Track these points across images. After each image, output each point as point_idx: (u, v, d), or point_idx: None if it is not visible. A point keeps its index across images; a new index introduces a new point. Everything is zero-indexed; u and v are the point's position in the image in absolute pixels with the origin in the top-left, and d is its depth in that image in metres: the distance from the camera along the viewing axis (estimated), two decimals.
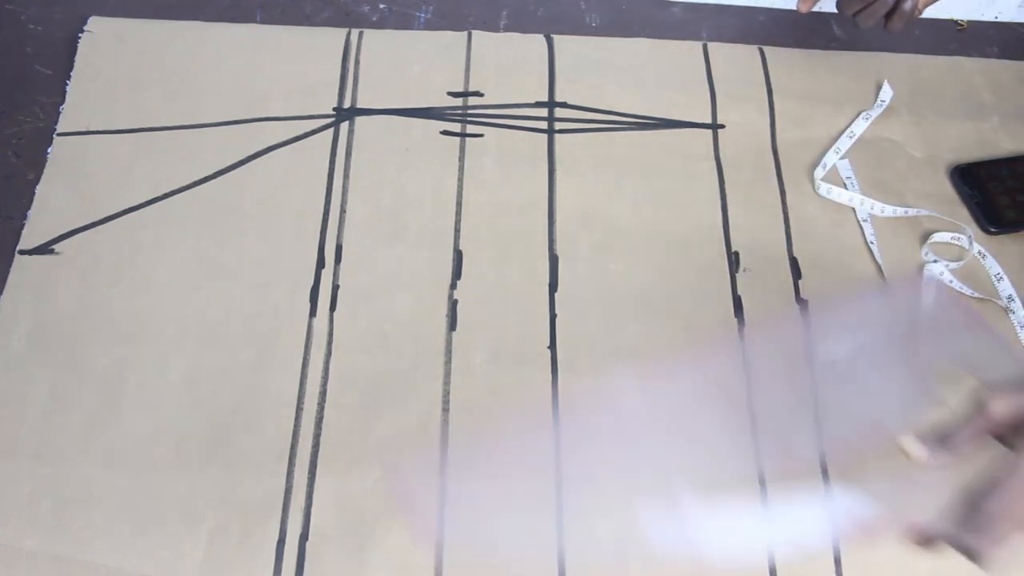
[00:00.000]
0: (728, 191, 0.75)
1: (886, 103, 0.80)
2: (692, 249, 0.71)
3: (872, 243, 0.72)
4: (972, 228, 0.73)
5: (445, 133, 0.76)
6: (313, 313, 0.67)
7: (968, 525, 0.41)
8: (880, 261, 0.71)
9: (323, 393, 0.64)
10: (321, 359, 0.65)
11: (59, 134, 0.74)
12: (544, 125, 0.77)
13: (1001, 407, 0.43)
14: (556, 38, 0.82)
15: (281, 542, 0.58)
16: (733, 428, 0.58)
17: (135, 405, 0.62)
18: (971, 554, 0.41)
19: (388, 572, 0.58)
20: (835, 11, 0.87)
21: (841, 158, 0.77)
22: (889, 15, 0.73)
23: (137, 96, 0.76)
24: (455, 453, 0.62)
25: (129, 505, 0.59)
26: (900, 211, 0.74)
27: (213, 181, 0.72)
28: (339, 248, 0.70)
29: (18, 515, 0.58)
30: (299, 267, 0.69)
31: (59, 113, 0.75)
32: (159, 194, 0.71)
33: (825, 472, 0.59)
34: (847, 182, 0.75)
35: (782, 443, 0.58)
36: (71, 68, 0.77)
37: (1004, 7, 0.87)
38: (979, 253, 0.72)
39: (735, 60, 0.82)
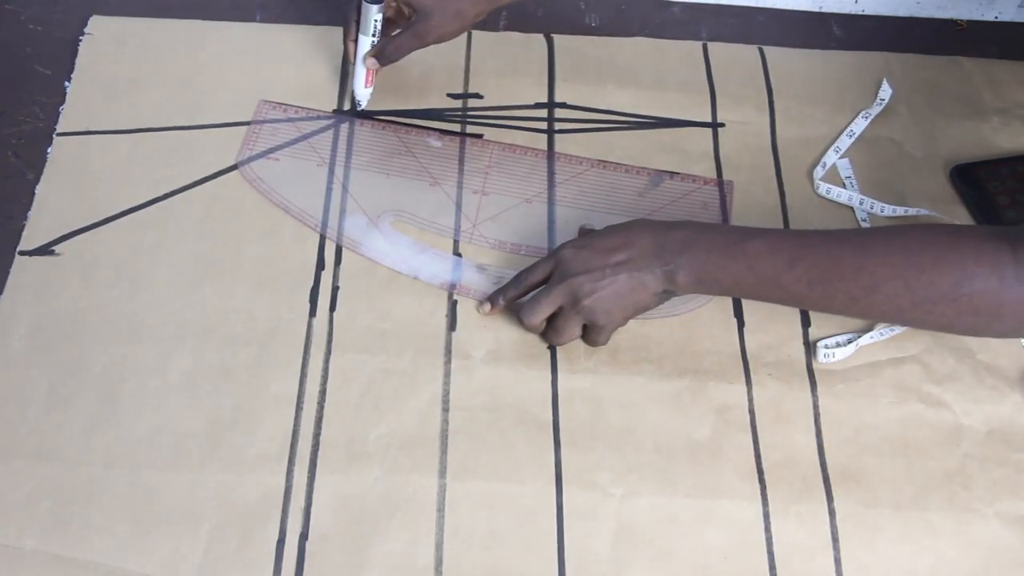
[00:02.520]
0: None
1: (885, 102, 0.80)
2: None
3: None
4: None
5: (445, 133, 0.76)
6: (313, 313, 0.67)
7: (509, 286, 0.66)
8: None
9: (323, 393, 0.64)
10: (321, 359, 0.65)
11: (59, 134, 0.74)
12: (544, 126, 0.77)
13: (536, 279, 0.65)
14: (556, 38, 0.82)
15: (281, 542, 0.58)
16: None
17: (135, 405, 0.62)
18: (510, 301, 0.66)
19: (388, 572, 0.58)
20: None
21: (841, 157, 0.77)
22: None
23: (137, 96, 0.76)
24: (455, 453, 0.62)
25: (129, 505, 0.59)
26: (900, 210, 0.74)
27: (213, 181, 0.72)
28: (339, 250, 0.70)
29: (18, 515, 0.58)
30: (299, 267, 0.69)
31: (59, 113, 0.75)
32: (159, 194, 0.71)
33: None
34: (847, 181, 0.75)
35: None
36: (71, 68, 0.77)
37: (1004, 7, 0.87)
38: None
39: (735, 60, 0.82)
